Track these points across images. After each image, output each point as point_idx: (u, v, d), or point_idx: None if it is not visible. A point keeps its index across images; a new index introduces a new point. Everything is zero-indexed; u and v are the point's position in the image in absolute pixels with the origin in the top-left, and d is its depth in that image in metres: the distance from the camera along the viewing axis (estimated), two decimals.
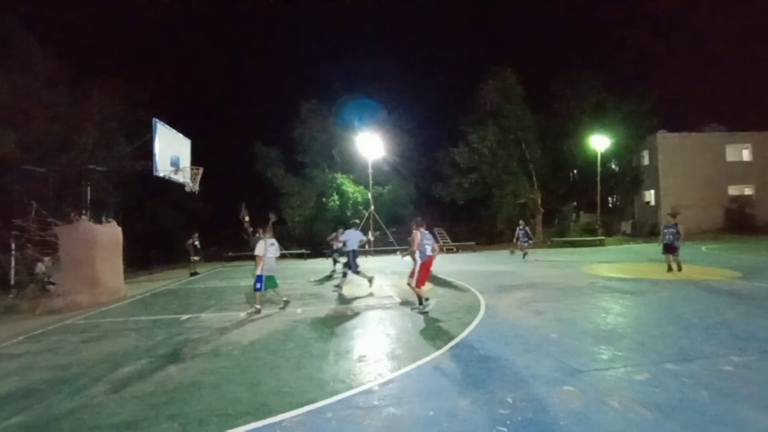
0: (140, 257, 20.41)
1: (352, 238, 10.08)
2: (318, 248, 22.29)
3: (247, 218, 11.09)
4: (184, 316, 7.50)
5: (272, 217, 9.52)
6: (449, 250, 24.45)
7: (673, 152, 30.03)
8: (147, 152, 12.88)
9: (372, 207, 23.38)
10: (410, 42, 59.97)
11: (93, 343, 5.89)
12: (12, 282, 11.51)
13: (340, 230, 12.42)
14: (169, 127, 12.65)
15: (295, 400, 3.53)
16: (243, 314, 7.41)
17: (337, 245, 11.92)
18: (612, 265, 13.29)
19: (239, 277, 14.31)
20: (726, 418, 2.98)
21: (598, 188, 26.91)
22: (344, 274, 10.08)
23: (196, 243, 15.42)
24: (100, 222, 11.01)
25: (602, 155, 26.98)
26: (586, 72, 29.30)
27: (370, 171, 24.04)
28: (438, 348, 4.89)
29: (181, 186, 13.59)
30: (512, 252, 19.19)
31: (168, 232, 25.17)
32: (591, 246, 23.21)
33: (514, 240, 17.53)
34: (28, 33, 15.47)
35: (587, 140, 27.45)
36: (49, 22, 22.95)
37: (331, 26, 62.67)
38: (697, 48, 58.26)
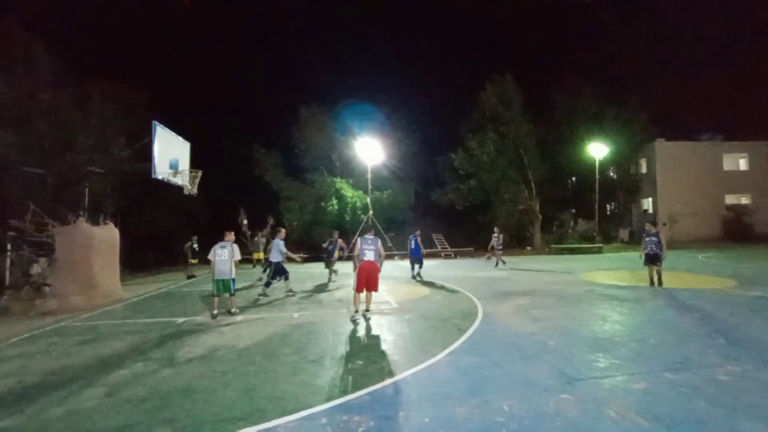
0: (138, 259, 20.28)
1: (275, 247, 9.75)
2: (316, 252, 22.24)
3: (245, 222, 11.09)
4: (180, 320, 7.46)
5: (270, 221, 9.53)
6: (447, 256, 24.43)
7: (670, 161, 30.26)
8: (146, 154, 12.91)
9: (371, 212, 23.35)
10: (410, 47, 60.33)
11: (87, 345, 5.84)
12: (6, 283, 11.41)
13: (335, 236, 12.50)
14: (168, 129, 12.68)
15: (290, 406, 3.51)
16: (239, 318, 7.41)
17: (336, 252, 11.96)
18: (610, 272, 13.31)
19: (237, 280, 14.17)
20: (723, 429, 2.97)
21: (596, 196, 27.03)
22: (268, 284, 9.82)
23: (195, 246, 15.36)
24: (97, 224, 10.97)
25: (600, 163, 27.13)
26: (584, 80, 29.66)
27: (369, 176, 24.05)
28: (434, 354, 4.88)
29: (180, 188, 13.61)
30: (488, 258, 18.46)
31: (166, 235, 25.06)
32: (589, 253, 23.22)
33: (489, 247, 16.93)
34: (28, 34, 15.50)
35: (585, 148, 27.62)
36: (50, 24, 22.99)
37: (331, 31, 63.04)
38: (694, 57, 58.78)
